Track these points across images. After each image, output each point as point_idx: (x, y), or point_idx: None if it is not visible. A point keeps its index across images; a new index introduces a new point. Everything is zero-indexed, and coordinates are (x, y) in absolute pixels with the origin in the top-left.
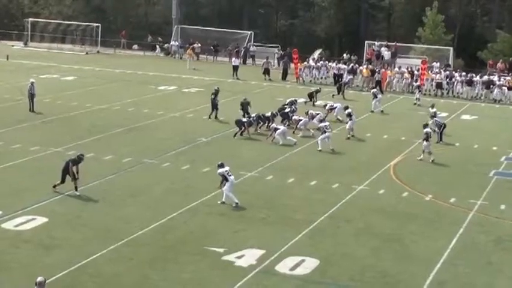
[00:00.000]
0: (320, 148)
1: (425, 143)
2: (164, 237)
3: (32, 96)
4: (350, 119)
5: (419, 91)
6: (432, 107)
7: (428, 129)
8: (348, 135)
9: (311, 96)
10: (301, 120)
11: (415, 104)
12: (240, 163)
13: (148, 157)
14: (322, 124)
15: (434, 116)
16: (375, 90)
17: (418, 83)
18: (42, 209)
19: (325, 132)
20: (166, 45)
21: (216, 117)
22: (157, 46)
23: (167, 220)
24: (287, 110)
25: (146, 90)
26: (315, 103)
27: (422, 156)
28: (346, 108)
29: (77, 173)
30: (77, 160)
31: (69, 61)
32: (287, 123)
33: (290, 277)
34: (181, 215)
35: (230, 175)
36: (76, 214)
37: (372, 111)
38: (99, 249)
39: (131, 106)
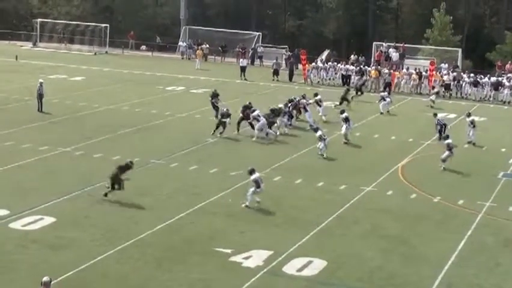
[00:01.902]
0: (321, 154)
1: (446, 153)
2: (172, 238)
3: (40, 96)
4: (347, 124)
5: (437, 94)
6: (469, 115)
7: (449, 141)
8: (345, 140)
9: (345, 98)
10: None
11: (431, 106)
12: (247, 164)
13: (156, 157)
14: (319, 133)
15: (472, 124)
16: (384, 93)
17: (437, 90)
18: (50, 208)
19: (322, 139)
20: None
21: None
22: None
23: (175, 220)
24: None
25: (154, 90)
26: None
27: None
28: (342, 112)
29: (121, 181)
30: (125, 167)
31: (77, 61)
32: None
33: (297, 278)
34: (188, 216)
35: (262, 182)
36: (83, 214)
37: (381, 113)
38: (106, 250)
39: (139, 106)
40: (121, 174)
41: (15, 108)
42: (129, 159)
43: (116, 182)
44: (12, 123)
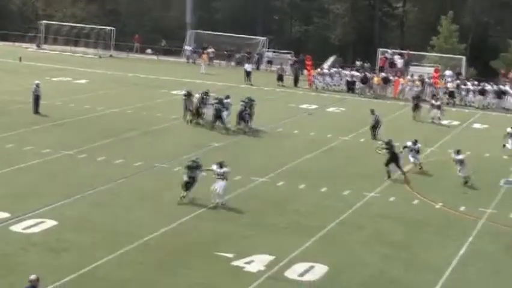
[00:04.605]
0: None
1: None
2: (174, 242)
3: (37, 98)
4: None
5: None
6: (458, 152)
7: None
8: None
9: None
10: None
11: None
12: (250, 168)
13: (160, 161)
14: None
15: (461, 162)
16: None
17: (439, 103)
18: (52, 212)
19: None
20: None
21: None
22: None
23: (178, 225)
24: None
25: (159, 94)
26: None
27: None
28: (415, 142)
29: None
30: None
31: (82, 64)
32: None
33: (299, 283)
34: (191, 220)
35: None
36: (85, 217)
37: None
38: (108, 253)
39: (144, 110)
40: None
41: (17, 111)
42: None
43: None
44: (14, 126)
